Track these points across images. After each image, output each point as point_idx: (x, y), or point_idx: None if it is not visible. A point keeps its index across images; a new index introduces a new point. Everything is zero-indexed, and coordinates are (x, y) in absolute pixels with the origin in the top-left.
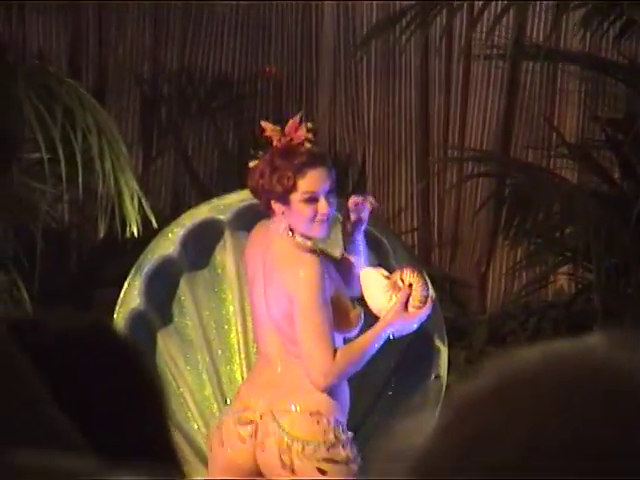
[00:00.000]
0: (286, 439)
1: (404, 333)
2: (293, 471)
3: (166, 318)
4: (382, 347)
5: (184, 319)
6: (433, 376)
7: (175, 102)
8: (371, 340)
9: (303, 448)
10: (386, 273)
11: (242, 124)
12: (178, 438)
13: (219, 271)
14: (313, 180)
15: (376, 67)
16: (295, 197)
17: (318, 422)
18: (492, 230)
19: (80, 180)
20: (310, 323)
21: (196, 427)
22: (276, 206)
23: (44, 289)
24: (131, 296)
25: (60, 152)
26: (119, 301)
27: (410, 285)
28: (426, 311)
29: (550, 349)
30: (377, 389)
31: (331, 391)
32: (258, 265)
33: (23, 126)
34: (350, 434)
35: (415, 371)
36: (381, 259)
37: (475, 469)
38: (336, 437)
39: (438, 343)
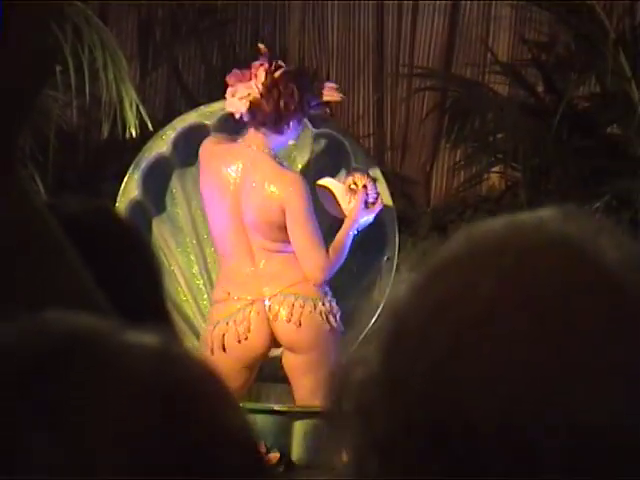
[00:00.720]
0: (310, 302)
1: (365, 225)
2: (319, 327)
3: (160, 207)
4: None
5: (175, 208)
6: (386, 257)
7: (167, 25)
8: (346, 236)
9: (323, 304)
10: (337, 182)
11: (225, 44)
12: (170, 309)
13: None
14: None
15: None
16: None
17: (321, 286)
18: (436, 135)
19: (87, 89)
20: (306, 229)
21: (185, 299)
22: (292, 124)
23: (56, 182)
24: (130, 188)
25: (70, 64)
26: (120, 192)
27: (364, 186)
28: (379, 205)
29: (510, 220)
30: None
31: None
32: (229, 179)
33: None
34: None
35: (371, 253)
36: (343, 159)
37: (444, 322)
38: (329, 294)
39: (390, 230)
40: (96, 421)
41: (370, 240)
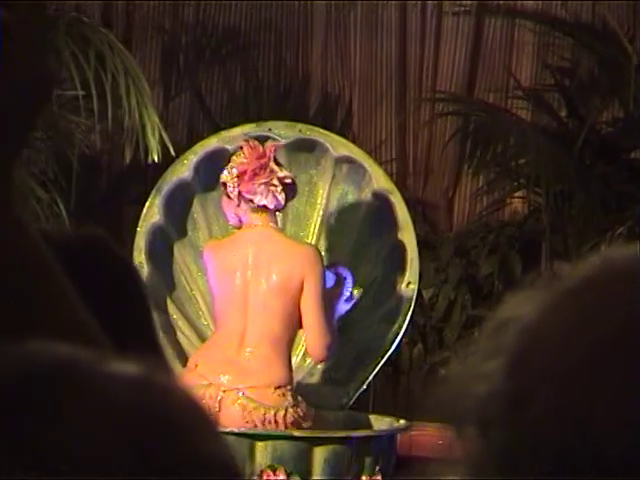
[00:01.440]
0: (261, 409)
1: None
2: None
3: (181, 232)
4: (365, 257)
5: (197, 232)
6: (406, 283)
7: (191, 50)
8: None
9: (275, 414)
10: None
11: (247, 69)
12: (191, 333)
13: None
14: None
15: (362, 21)
16: None
17: (283, 394)
18: (458, 160)
19: (109, 114)
20: (319, 305)
21: (205, 323)
22: None
23: (79, 206)
24: (152, 213)
25: (93, 90)
26: (142, 217)
27: (344, 279)
28: (354, 299)
29: None
30: (361, 290)
31: (289, 364)
32: (239, 262)
33: (61, 69)
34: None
35: (392, 279)
36: (365, 183)
37: (579, 344)
38: (295, 401)
39: (412, 255)
40: (77, 450)
41: (392, 265)
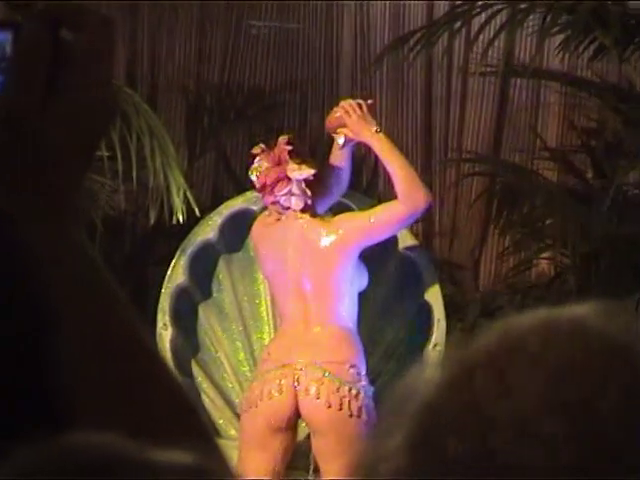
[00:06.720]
0: (336, 383)
1: None
2: (341, 409)
3: (206, 293)
4: (390, 318)
5: (222, 294)
6: (433, 345)
7: (215, 111)
8: None
9: (350, 389)
10: None
11: (272, 129)
12: (216, 395)
13: (251, 253)
14: None
15: (387, 81)
16: None
17: (358, 374)
18: (484, 221)
19: (134, 175)
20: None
21: (230, 386)
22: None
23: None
24: (177, 274)
25: (118, 151)
26: (166, 278)
27: None
28: None
29: (546, 317)
30: (385, 354)
31: (359, 350)
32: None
33: None
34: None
35: (417, 340)
36: (390, 243)
37: (475, 424)
38: (368, 386)
39: (438, 316)
40: None
41: (418, 326)
